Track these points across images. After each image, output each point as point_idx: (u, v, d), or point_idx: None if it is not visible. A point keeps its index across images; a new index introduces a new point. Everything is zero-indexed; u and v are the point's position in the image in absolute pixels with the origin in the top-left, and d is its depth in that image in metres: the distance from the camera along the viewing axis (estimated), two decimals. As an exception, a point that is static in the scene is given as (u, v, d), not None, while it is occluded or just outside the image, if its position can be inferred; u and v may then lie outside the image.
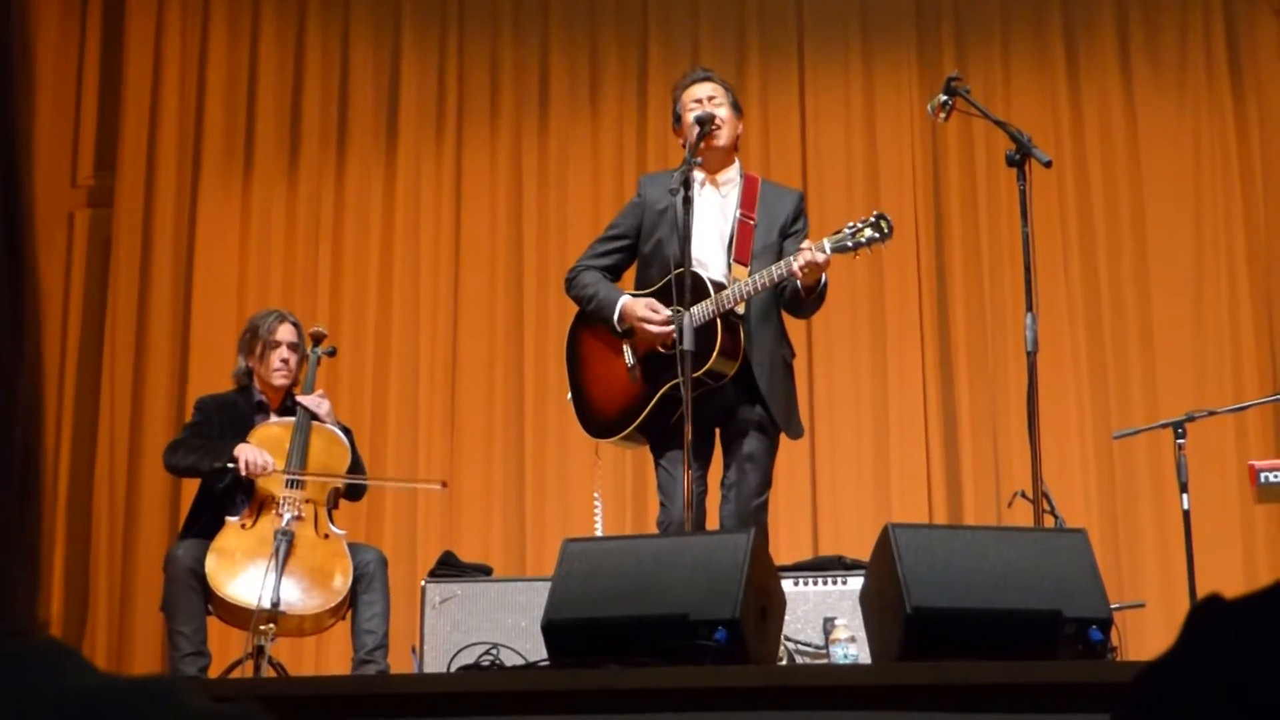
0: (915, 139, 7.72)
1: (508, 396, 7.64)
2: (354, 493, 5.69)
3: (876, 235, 4.78)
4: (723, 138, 5.04)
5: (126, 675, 0.57)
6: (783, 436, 5.02)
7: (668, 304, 4.89)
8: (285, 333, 5.63)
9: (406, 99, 8.00)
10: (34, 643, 0.58)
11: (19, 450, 0.61)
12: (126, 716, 0.55)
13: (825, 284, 4.87)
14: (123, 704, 0.55)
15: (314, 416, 5.55)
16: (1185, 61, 7.71)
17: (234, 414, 5.58)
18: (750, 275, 4.86)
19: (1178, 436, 5.41)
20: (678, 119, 5.14)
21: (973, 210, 7.66)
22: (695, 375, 4.61)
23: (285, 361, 5.60)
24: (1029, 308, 4.71)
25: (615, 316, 4.99)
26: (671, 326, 4.85)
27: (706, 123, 4.94)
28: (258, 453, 5.33)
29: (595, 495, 5.81)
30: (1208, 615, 0.70)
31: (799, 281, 4.76)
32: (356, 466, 5.63)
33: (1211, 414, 5.63)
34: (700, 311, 4.77)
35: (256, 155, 7.98)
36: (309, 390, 5.64)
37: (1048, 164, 4.76)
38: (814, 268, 4.71)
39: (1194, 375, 7.35)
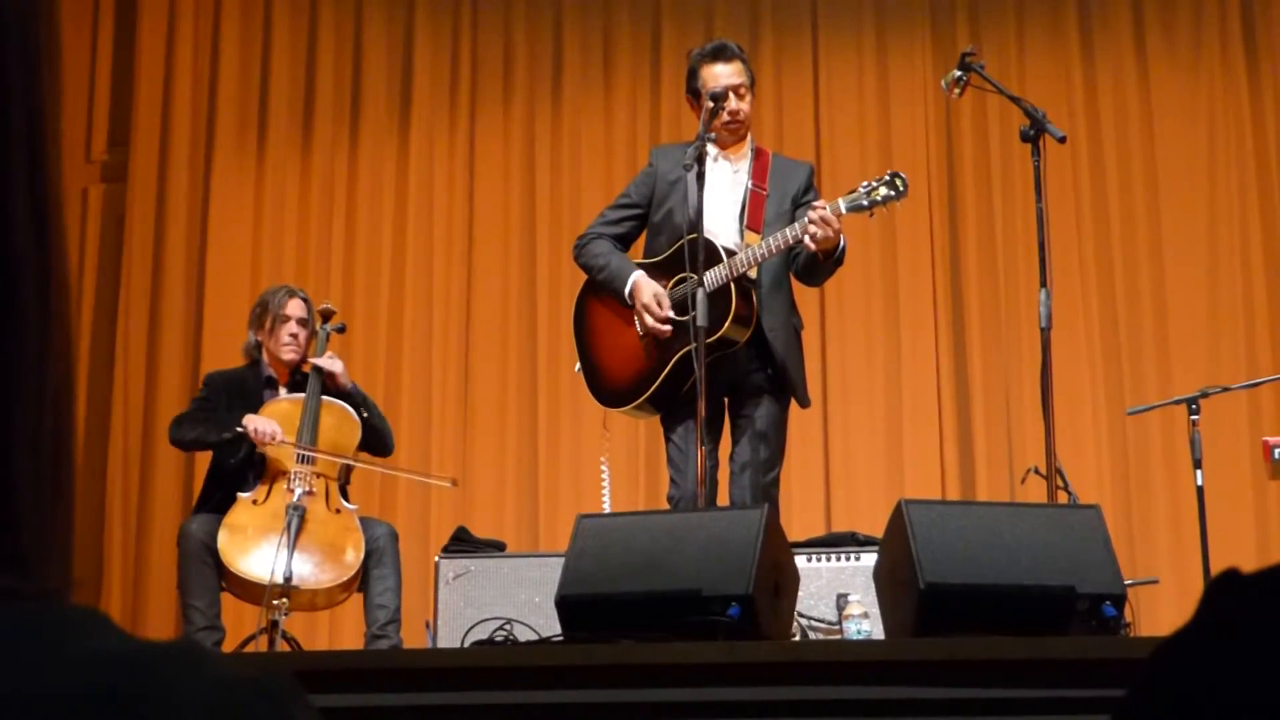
0: (929, 114, 7.71)
1: (521, 373, 7.65)
2: (381, 449, 5.72)
3: (892, 193, 4.75)
4: (742, 128, 5.03)
5: (156, 639, 0.58)
6: (792, 407, 5.02)
7: (678, 272, 4.88)
8: (295, 307, 5.65)
9: (420, 75, 8.00)
10: (66, 609, 0.59)
11: (50, 439, 0.62)
12: (156, 681, 0.56)
13: (844, 248, 4.83)
14: (153, 666, 0.56)
15: (325, 386, 5.55)
16: (1200, 36, 7.68)
17: (242, 389, 5.60)
18: (763, 240, 4.84)
19: (1191, 413, 5.40)
20: (694, 94, 5.09)
21: (986, 186, 7.64)
22: (707, 341, 4.60)
23: (294, 336, 5.62)
24: (1043, 283, 4.69)
25: (627, 291, 4.98)
26: (667, 326, 4.85)
27: (721, 99, 4.91)
28: (266, 422, 5.37)
29: (602, 463, 5.80)
30: (1225, 589, 0.70)
31: (816, 248, 4.73)
32: (373, 430, 5.63)
33: (1225, 390, 5.63)
34: (713, 277, 4.75)
35: (270, 131, 7.98)
36: (318, 369, 5.65)
37: (1062, 139, 4.74)
38: (827, 225, 4.68)
39: (1208, 351, 7.33)
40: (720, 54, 5.07)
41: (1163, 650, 0.70)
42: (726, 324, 4.76)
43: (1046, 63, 7.72)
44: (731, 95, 4.97)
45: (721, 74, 5.02)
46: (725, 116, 4.94)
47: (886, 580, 3.75)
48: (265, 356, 5.67)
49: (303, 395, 5.53)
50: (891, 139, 7.68)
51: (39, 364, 0.61)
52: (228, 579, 5.24)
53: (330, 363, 5.58)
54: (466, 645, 4.38)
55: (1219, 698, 0.66)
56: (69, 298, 0.64)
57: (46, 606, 0.58)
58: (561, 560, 3.74)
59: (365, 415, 5.61)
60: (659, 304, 4.89)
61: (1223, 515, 6.46)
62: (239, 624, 5.66)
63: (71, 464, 0.63)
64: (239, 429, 5.36)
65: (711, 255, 4.76)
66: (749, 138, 5.14)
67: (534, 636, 4.32)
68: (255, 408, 5.48)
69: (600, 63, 7.97)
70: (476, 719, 3.18)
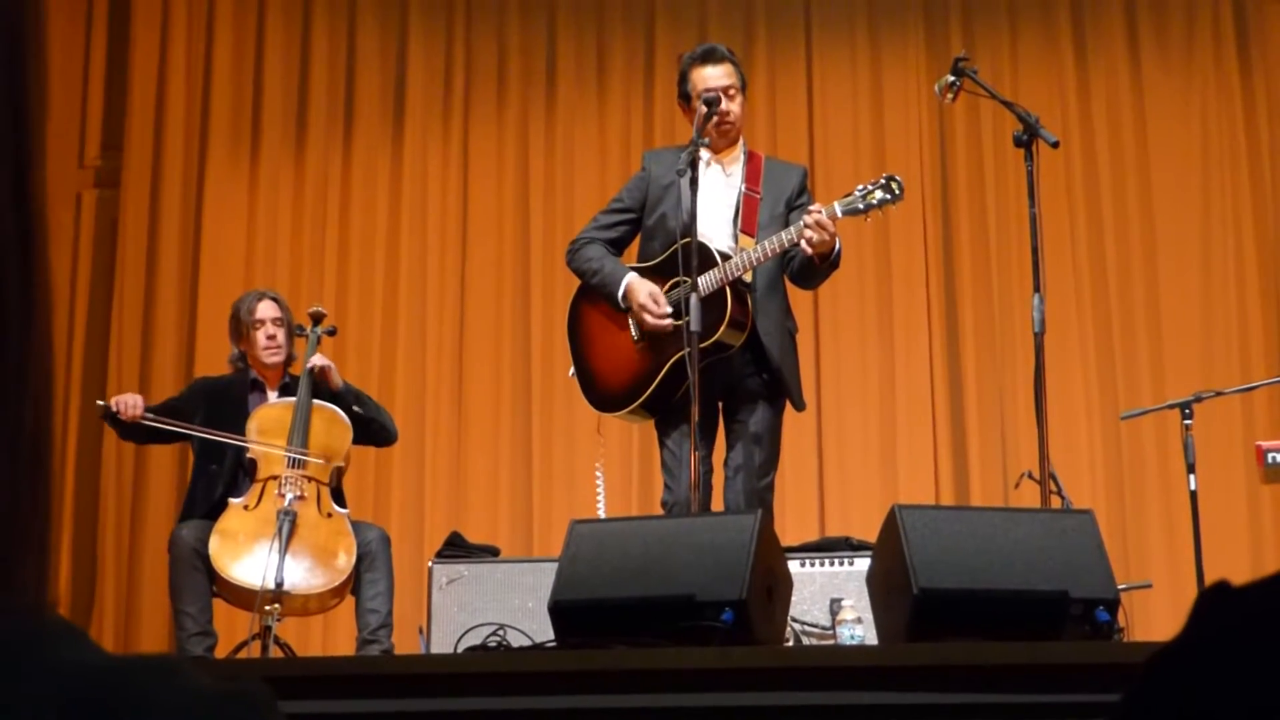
0: (922, 119, 7.71)
1: (515, 377, 7.64)
2: (385, 439, 5.74)
3: (887, 196, 4.75)
4: (734, 130, 5.02)
5: (132, 653, 0.58)
6: (787, 411, 5.01)
7: (673, 276, 4.86)
8: (265, 309, 5.64)
9: (413, 79, 7.99)
10: (42, 620, 0.58)
11: (29, 438, 0.61)
12: (131, 693, 0.56)
13: (840, 251, 4.82)
14: (128, 681, 0.56)
15: (317, 388, 5.54)
16: (1192, 41, 7.69)
17: (226, 397, 5.60)
18: (758, 243, 4.83)
19: (1185, 417, 5.40)
20: (686, 98, 5.08)
21: (980, 191, 7.65)
22: (702, 346, 4.59)
23: (272, 337, 5.61)
24: (1036, 289, 4.70)
25: (620, 294, 4.96)
26: (668, 320, 4.82)
27: (714, 104, 4.90)
28: (129, 396, 5.47)
29: (597, 469, 5.80)
30: (1216, 601, 0.70)
31: (812, 252, 4.72)
32: (371, 423, 5.63)
33: (1219, 394, 5.62)
34: (708, 281, 4.74)
35: (263, 136, 7.97)
36: (308, 371, 5.65)
37: (1055, 145, 4.74)
38: (823, 229, 4.67)
39: (1201, 356, 7.34)
40: (710, 56, 5.06)
41: (1154, 662, 0.69)
42: (722, 328, 4.74)
43: (1040, 67, 7.73)
44: (722, 96, 4.96)
45: (711, 76, 5.01)
46: (716, 119, 4.94)
47: (880, 585, 3.75)
48: (251, 363, 5.67)
49: (293, 399, 5.52)
50: (885, 144, 7.68)
51: (20, 364, 0.61)
52: (219, 585, 5.22)
53: (319, 360, 5.57)
54: (459, 651, 4.38)
55: (1210, 710, 0.66)
56: (51, 297, 0.63)
57: (22, 618, 0.58)
58: (555, 565, 3.73)
59: (359, 412, 5.59)
60: (656, 302, 4.88)
61: (1216, 519, 6.45)
62: (231, 629, 5.65)
63: (50, 467, 0.62)
64: (99, 401, 5.51)
65: (706, 259, 4.75)
66: (741, 141, 5.13)
67: (527, 642, 4.31)
68: (241, 414, 5.49)
69: (594, 67, 7.97)
70: (469, 725, 3.18)
